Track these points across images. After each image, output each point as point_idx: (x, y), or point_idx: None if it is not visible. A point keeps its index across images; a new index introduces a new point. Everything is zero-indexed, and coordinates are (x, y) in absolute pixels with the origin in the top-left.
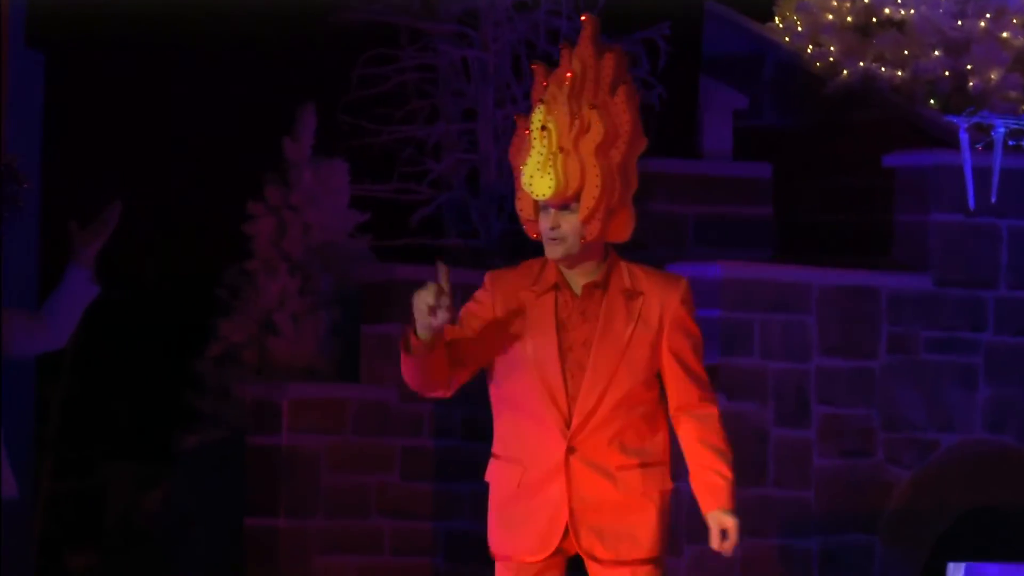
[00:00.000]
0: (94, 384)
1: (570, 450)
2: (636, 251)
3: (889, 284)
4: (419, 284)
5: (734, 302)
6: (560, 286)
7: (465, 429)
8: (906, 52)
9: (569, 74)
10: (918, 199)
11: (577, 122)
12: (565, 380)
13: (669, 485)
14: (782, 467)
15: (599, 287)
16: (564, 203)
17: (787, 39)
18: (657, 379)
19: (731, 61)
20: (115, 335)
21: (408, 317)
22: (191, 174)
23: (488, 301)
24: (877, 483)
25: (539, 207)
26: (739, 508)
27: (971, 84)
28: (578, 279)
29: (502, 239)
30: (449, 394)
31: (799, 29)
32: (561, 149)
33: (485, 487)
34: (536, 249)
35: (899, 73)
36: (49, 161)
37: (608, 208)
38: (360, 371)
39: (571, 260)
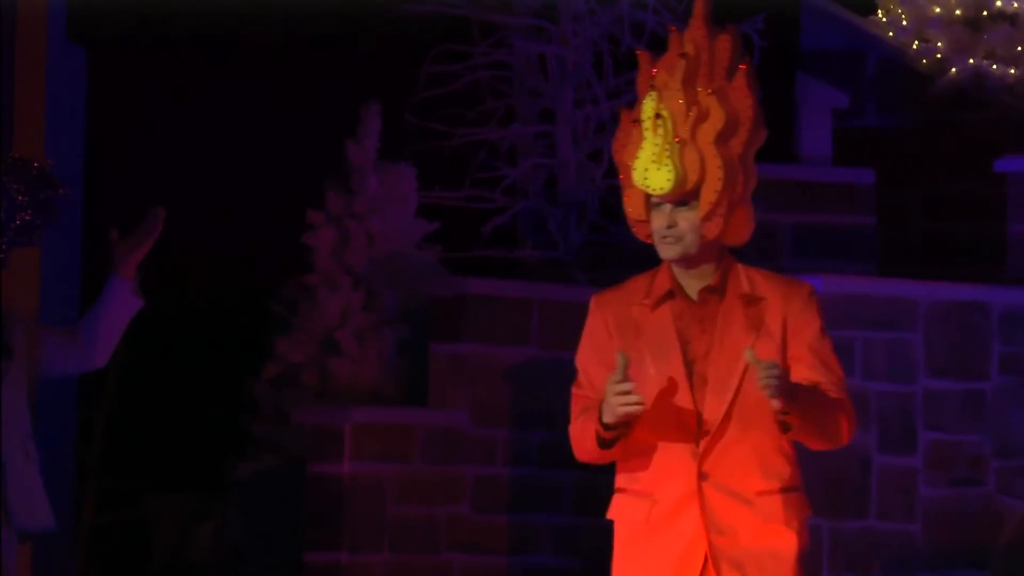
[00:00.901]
0: (140, 407)
1: (702, 476)
2: None
3: (1002, 299)
4: (492, 300)
5: (835, 319)
6: (675, 293)
7: (542, 455)
8: (1020, 48)
9: (683, 57)
10: None
11: (694, 109)
12: (693, 397)
13: (808, 512)
14: (886, 497)
15: (715, 292)
16: (682, 198)
17: (891, 34)
18: None
19: (830, 57)
20: (163, 353)
21: (481, 336)
22: (245, 179)
23: (602, 326)
24: (989, 515)
25: (651, 205)
26: (838, 537)
27: None
28: (694, 284)
29: (582, 250)
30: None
31: (904, 23)
32: (678, 139)
33: (566, 519)
34: (624, 263)
35: (1012, 71)
36: (93, 165)
37: (729, 203)
38: (429, 394)
39: (688, 261)
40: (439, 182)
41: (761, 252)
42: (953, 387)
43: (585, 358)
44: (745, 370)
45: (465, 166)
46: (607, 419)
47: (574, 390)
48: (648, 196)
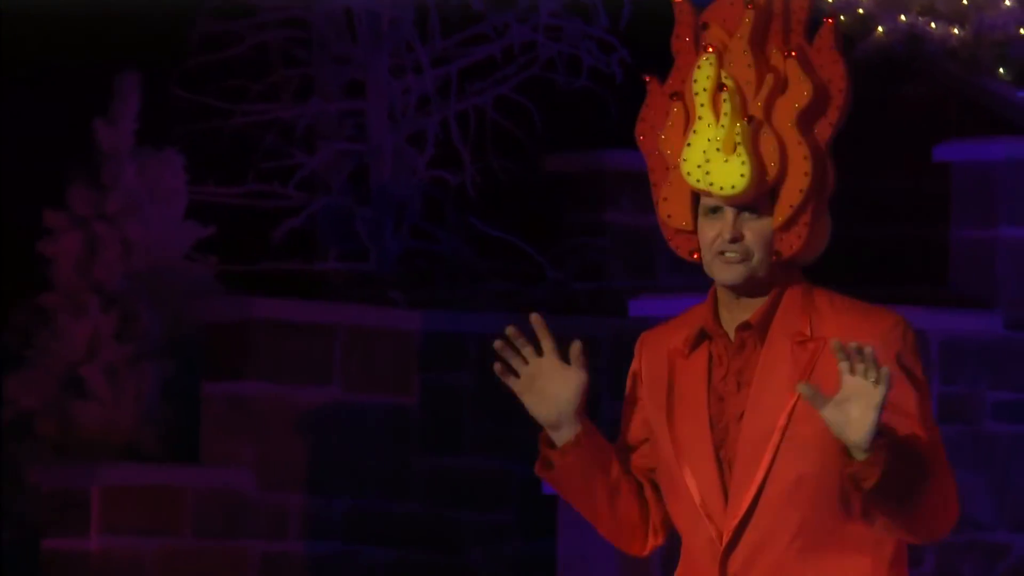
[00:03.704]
0: None
1: None
2: (589, 282)
3: (942, 326)
4: (284, 326)
5: None
6: (711, 333)
7: (348, 528)
8: (965, 2)
9: (750, 6)
10: (982, 207)
11: (770, 77)
12: (721, 477)
13: None
14: None
15: (753, 331)
16: (752, 201)
17: None
18: None
19: None
20: None
21: (270, 373)
22: None
23: (635, 374)
24: None
25: (703, 209)
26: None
27: None
28: (734, 318)
29: (399, 263)
30: (645, 552)
31: None
32: (750, 118)
33: None
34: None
35: (955, 31)
36: None
37: (818, 207)
38: (201, 448)
39: (750, 287)
40: (216, 174)
41: (628, 265)
42: None
43: (623, 409)
44: (781, 437)
45: (249, 153)
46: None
47: None
48: (697, 197)
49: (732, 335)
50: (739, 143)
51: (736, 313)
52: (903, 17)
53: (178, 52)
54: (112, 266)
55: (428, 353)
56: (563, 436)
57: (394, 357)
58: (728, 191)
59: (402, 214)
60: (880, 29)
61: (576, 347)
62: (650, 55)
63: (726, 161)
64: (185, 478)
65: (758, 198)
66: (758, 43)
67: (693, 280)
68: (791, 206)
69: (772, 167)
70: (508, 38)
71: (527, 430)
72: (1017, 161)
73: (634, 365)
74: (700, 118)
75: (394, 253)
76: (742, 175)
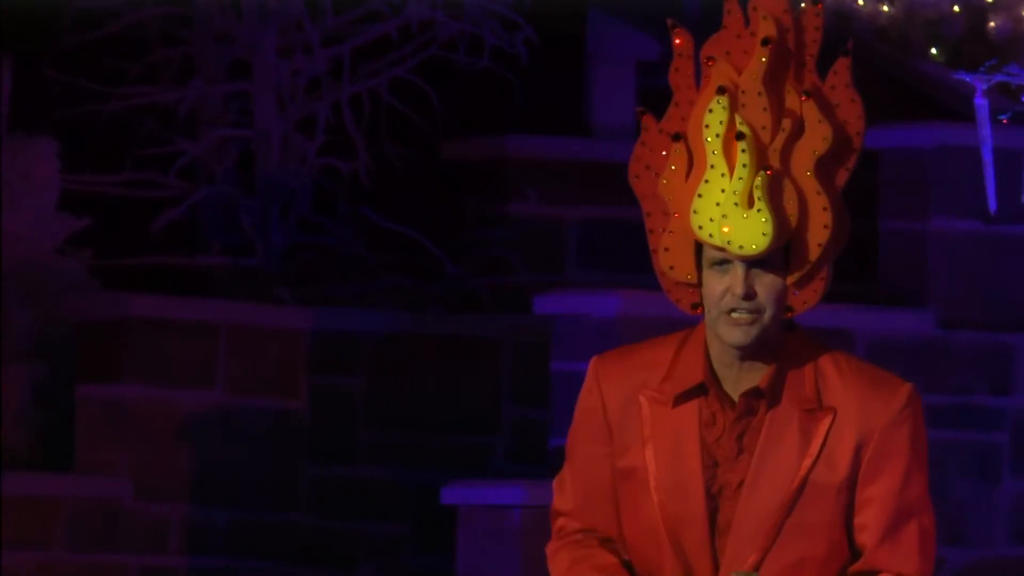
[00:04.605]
0: None
1: None
2: (491, 278)
3: (869, 325)
4: (164, 324)
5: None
6: (709, 388)
7: (233, 541)
8: None
9: (766, 45)
10: (913, 198)
11: (787, 122)
12: (712, 546)
13: None
14: None
15: (763, 397)
16: (768, 256)
17: None
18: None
19: None
20: None
21: (149, 375)
22: None
23: (598, 410)
24: None
25: (708, 262)
26: None
27: (993, 25)
28: (739, 378)
29: (287, 257)
30: None
31: None
32: (769, 169)
33: None
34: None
35: (885, 9)
36: None
37: (831, 260)
38: (76, 455)
39: (760, 347)
40: (91, 162)
41: (534, 259)
42: None
43: (574, 447)
44: (787, 515)
45: (127, 139)
46: None
47: (556, 490)
48: (701, 249)
49: (733, 395)
50: (759, 197)
51: (736, 372)
52: None
53: (51, 31)
54: None
55: (318, 354)
56: None
57: (281, 358)
58: (749, 250)
59: (290, 205)
60: (803, 4)
61: None
62: (558, 34)
63: (745, 217)
64: (58, 487)
65: (772, 252)
66: (772, 83)
67: (603, 276)
68: (809, 261)
69: (792, 220)
70: (405, 16)
71: (423, 437)
72: (950, 148)
73: (592, 399)
74: (712, 167)
75: (281, 247)
76: (764, 233)
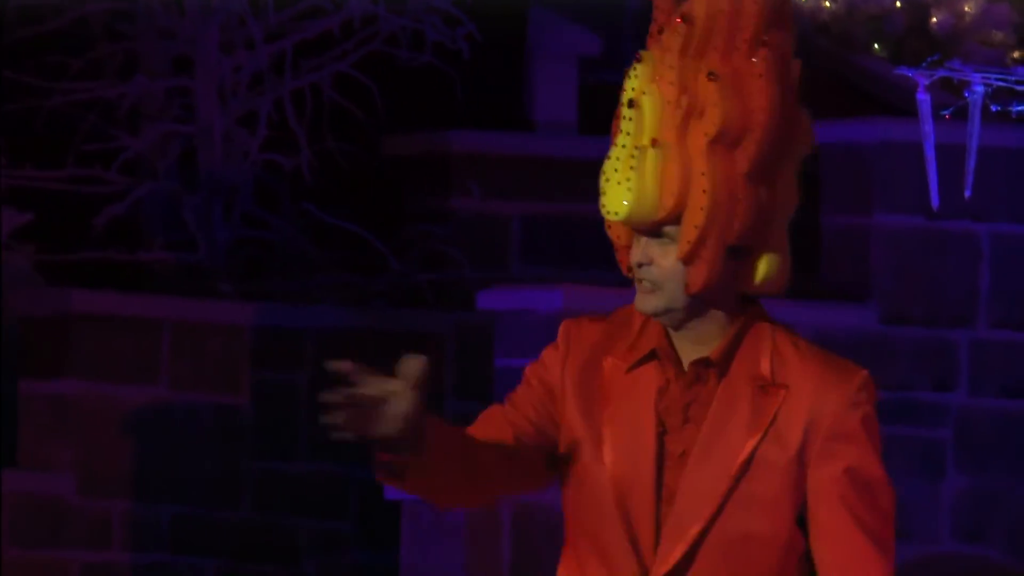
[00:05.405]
0: None
1: None
2: (434, 273)
3: (812, 319)
4: (106, 320)
5: None
6: (662, 355)
7: (176, 536)
8: None
9: (684, 22)
10: (855, 193)
11: (684, 98)
12: (657, 514)
13: None
14: None
15: (713, 368)
16: (654, 228)
17: None
18: (800, 531)
19: None
20: None
21: (92, 371)
22: None
23: (557, 366)
24: None
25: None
26: None
27: (935, 21)
28: (690, 348)
29: (230, 252)
30: (479, 504)
31: None
32: (654, 142)
33: None
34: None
35: (827, 4)
36: None
37: (725, 242)
38: (18, 451)
39: (674, 319)
40: (33, 157)
41: (477, 255)
42: None
43: (528, 380)
44: (734, 489)
45: (69, 135)
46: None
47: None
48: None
49: (685, 364)
50: (633, 167)
51: (690, 343)
52: None
53: None
54: None
55: (260, 350)
56: (413, 445)
57: (224, 354)
58: (612, 216)
59: (233, 200)
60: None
61: (412, 366)
62: (500, 30)
63: (618, 184)
64: (1, 483)
65: (660, 225)
66: (690, 58)
67: (546, 271)
68: (688, 240)
69: (669, 197)
70: (347, 11)
71: None
72: (892, 143)
73: (560, 351)
74: (620, 130)
75: (224, 242)
76: (625, 202)
